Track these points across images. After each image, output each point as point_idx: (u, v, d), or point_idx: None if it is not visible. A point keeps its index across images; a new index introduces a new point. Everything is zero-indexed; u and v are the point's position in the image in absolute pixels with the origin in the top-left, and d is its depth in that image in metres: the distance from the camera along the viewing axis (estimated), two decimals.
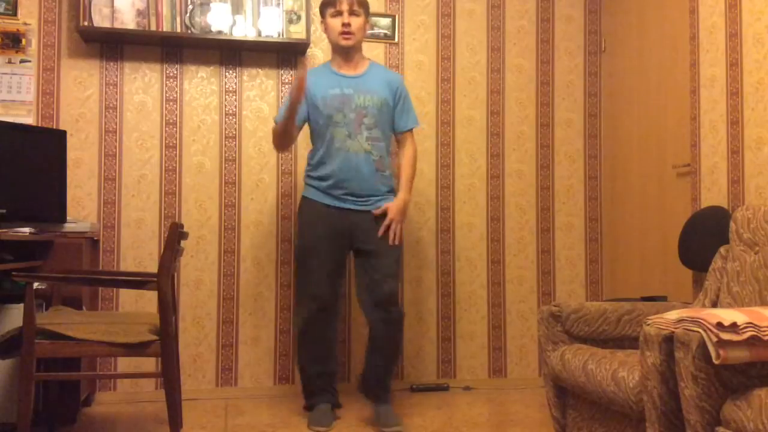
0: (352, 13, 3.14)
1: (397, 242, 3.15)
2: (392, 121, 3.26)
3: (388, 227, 3.14)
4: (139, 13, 3.52)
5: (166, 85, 3.70)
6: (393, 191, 3.24)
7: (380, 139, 3.18)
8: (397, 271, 3.22)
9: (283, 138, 3.22)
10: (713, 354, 1.75)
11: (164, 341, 2.51)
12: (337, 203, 3.16)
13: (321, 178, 3.17)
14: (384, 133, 3.21)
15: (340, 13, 3.15)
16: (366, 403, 3.30)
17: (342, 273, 3.25)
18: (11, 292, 2.87)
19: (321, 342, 3.22)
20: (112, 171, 3.63)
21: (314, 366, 3.22)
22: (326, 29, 3.24)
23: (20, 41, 3.51)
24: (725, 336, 1.73)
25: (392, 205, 3.16)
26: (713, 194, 3.13)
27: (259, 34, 3.65)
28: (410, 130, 3.30)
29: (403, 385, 3.86)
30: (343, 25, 3.13)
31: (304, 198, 3.25)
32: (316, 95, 3.17)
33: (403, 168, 3.26)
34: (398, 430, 3.02)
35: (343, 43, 3.16)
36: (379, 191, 3.18)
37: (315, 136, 3.23)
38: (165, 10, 3.54)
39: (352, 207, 3.15)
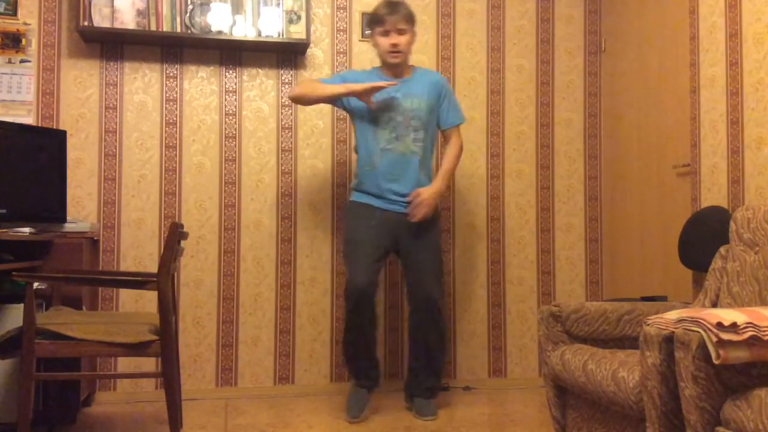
0: (399, 32, 3.28)
1: (417, 218, 3.23)
2: (437, 121, 3.40)
3: (416, 205, 3.23)
4: (139, 13, 3.52)
5: (166, 85, 3.70)
6: None
7: (425, 140, 3.33)
8: (437, 273, 3.36)
9: (311, 101, 3.40)
10: (713, 354, 1.75)
11: (164, 341, 2.51)
12: (383, 205, 3.29)
13: (367, 181, 3.30)
14: (429, 134, 3.36)
15: (387, 33, 3.27)
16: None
17: (380, 269, 3.35)
18: (11, 292, 2.87)
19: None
20: (112, 171, 3.63)
21: (358, 351, 3.34)
22: (375, 44, 3.37)
23: (20, 41, 3.51)
24: (725, 336, 1.73)
25: (424, 189, 3.27)
26: (713, 194, 3.13)
27: (259, 34, 3.66)
28: (456, 126, 3.43)
29: (403, 385, 3.85)
30: (391, 45, 3.27)
31: (351, 202, 3.38)
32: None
33: (445, 159, 3.41)
34: (432, 419, 3.22)
35: (392, 60, 3.31)
36: (425, 186, 3.30)
37: (359, 141, 3.35)
38: (165, 10, 3.54)
39: (399, 209, 3.28)
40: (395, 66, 3.33)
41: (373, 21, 3.33)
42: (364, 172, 3.32)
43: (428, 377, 3.37)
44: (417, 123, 3.29)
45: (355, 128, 3.39)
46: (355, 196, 3.37)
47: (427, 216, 3.25)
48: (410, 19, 3.32)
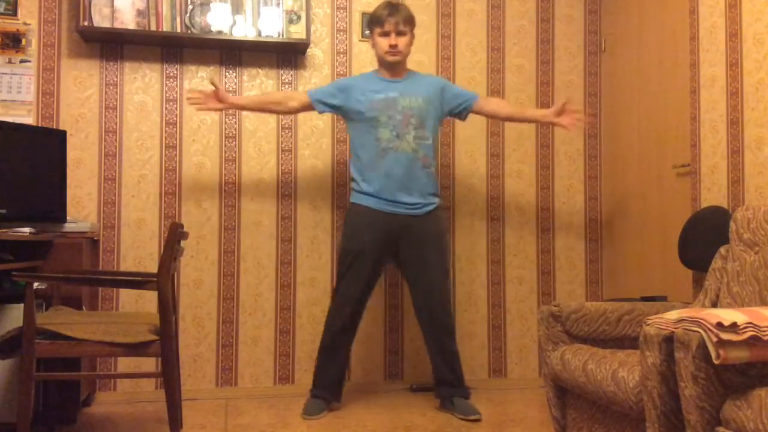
0: (399, 33, 3.30)
1: (574, 125, 3.39)
2: (441, 117, 3.44)
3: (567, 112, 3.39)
4: (139, 13, 3.52)
5: (166, 85, 3.70)
6: (437, 194, 3.42)
7: (426, 138, 3.33)
8: (445, 277, 3.37)
9: (273, 111, 3.57)
10: (713, 354, 1.75)
11: (164, 341, 2.51)
12: (386, 207, 3.28)
13: (370, 182, 3.29)
14: (430, 132, 3.35)
15: (387, 34, 3.29)
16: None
17: (378, 278, 3.38)
18: (11, 292, 2.87)
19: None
20: (112, 171, 3.63)
21: (328, 362, 3.35)
22: (374, 45, 3.38)
23: (20, 41, 3.51)
24: (725, 336, 1.73)
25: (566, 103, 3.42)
26: (713, 194, 3.13)
27: (259, 34, 3.66)
28: (477, 99, 3.47)
29: (403, 385, 3.86)
30: (390, 46, 3.28)
31: (352, 204, 3.37)
32: (360, 99, 3.30)
33: (507, 106, 3.64)
34: (477, 418, 3.22)
35: (390, 59, 3.33)
36: (427, 190, 3.33)
37: (358, 143, 3.35)
38: (165, 10, 3.54)
39: (402, 211, 3.29)
40: (393, 66, 3.34)
41: (372, 21, 3.34)
42: (365, 173, 3.31)
43: (459, 380, 3.39)
44: (416, 121, 3.29)
45: (351, 130, 3.39)
46: (356, 198, 3.36)
47: (578, 124, 3.40)
48: (410, 20, 3.33)
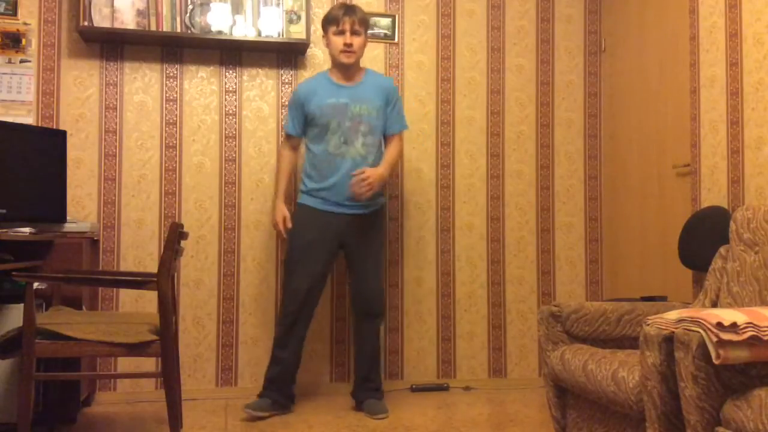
0: (354, 32, 3.32)
1: (364, 191, 3.23)
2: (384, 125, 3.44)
3: (360, 181, 3.23)
4: (139, 13, 3.52)
5: (166, 85, 3.70)
6: (382, 193, 3.49)
7: (374, 145, 3.38)
8: (378, 277, 3.43)
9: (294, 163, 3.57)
10: (713, 354, 1.75)
11: (164, 341, 2.51)
12: (332, 208, 3.33)
13: (317, 184, 3.33)
14: (379, 137, 3.41)
15: (342, 33, 3.31)
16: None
17: (327, 275, 3.41)
18: (11, 292, 2.87)
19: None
20: (112, 171, 3.63)
21: (277, 362, 3.36)
22: (328, 44, 3.40)
23: (20, 41, 3.51)
24: (725, 336, 1.73)
25: (370, 168, 3.28)
26: (713, 194, 3.13)
27: (259, 34, 3.66)
28: (399, 134, 3.48)
29: (403, 385, 3.86)
30: (345, 44, 3.30)
31: (299, 204, 3.40)
32: (312, 104, 3.34)
33: (387, 152, 3.42)
34: (385, 416, 3.25)
35: (345, 60, 3.34)
36: (373, 194, 3.32)
37: (311, 145, 3.39)
38: (165, 10, 3.54)
39: (347, 212, 3.33)
40: (347, 68, 3.36)
41: (327, 21, 3.36)
42: (314, 176, 3.35)
43: (375, 379, 3.42)
44: (365, 128, 3.32)
45: (308, 131, 3.40)
46: (302, 198, 3.39)
47: (367, 196, 3.25)
48: (365, 22, 3.37)
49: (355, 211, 3.33)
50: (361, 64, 3.43)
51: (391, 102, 3.42)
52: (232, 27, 3.62)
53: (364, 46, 3.39)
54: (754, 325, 1.75)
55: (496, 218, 4.04)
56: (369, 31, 3.53)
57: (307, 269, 3.30)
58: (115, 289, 3.58)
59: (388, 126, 3.43)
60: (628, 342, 2.64)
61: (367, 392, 3.39)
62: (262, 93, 3.79)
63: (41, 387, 2.91)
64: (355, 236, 3.35)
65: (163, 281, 2.51)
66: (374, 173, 3.25)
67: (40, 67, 3.55)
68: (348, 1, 3.66)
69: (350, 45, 3.30)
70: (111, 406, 3.47)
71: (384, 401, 3.39)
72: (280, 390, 3.31)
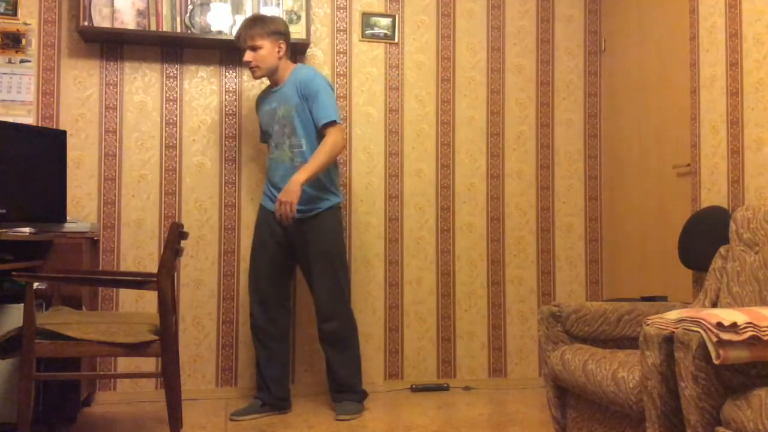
0: (251, 48, 3.27)
1: (285, 212, 3.10)
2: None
3: (278, 204, 3.14)
4: (139, 13, 3.52)
5: (166, 85, 3.70)
6: (326, 191, 3.29)
7: (301, 146, 3.27)
8: (328, 280, 3.31)
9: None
10: (713, 354, 1.75)
11: (164, 341, 2.51)
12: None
13: (267, 188, 3.40)
14: (305, 138, 3.26)
15: (244, 50, 3.29)
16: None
17: (285, 275, 3.40)
18: (11, 292, 2.87)
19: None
20: (112, 171, 3.63)
21: (260, 363, 3.39)
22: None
23: (20, 41, 3.51)
24: (725, 336, 1.73)
25: (283, 191, 3.14)
26: (713, 194, 3.13)
27: None
28: (330, 124, 3.21)
29: (403, 385, 3.86)
30: (245, 61, 3.30)
31: (260, 206, 3.45)
32: (258, 113, 3.47)
33: (315, 151, 3.20)
34: (348, 418, 3.23)
35: (253, 76, 3.34)
36: (307, 197, 3.20)
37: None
38: (165, 10, 3.54)
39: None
40: (272, 72, 3.31)
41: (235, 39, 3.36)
42: (267, 179, 3.39)
43: (341, 382, 3.37)
44: (289, 130, 3.27)
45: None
46: (262, 199, 3.43)
47: (293, 216, 3.12)
48: (262, 34, 3.23)
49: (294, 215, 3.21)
50: (362, 63, 3.42)
51: (307, 95, 3.23)
52: (232, 27, 3.62)
53: (271, 55, 3.25)
54: (754, 325, 1.75)
55: (496, 218, 4.04)
56: (369, 31, 3.51)
57: (260, 269, 3.35)
58: (115, 289, 3.58)
59: (314, 120, 3.24)
60: (628, 342, 2.64)
61: (339, 393, 3.37)
62: None
63: (41, 387, 2.92)
64: (299, 239, 3.31)
65: (163, 281, 2.51)
66: (286, 191, 3.10)
67: (40, 67, 3.55)
68: (258, 12, 3.53)
69: (248, 62, 3.27)
70: (111, 406, 3.47)
71: (357, 403, 3.34)
72: (270, 391, 3.33)
